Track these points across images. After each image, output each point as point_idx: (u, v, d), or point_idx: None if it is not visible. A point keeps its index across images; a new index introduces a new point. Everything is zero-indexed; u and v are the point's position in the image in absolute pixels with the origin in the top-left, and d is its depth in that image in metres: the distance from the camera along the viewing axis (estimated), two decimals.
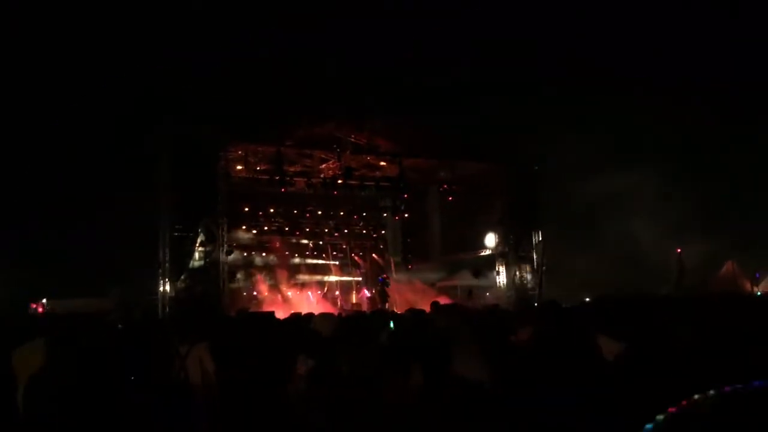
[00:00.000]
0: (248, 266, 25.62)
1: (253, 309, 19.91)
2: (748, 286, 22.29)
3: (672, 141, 25.58)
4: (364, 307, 24.65)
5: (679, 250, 22.97)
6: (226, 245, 20.65)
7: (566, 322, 4.36)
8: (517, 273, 24.38)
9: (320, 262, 28.45)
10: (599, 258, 22.81)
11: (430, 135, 22.79)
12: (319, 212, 27.17)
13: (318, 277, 28.07)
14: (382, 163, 24.13)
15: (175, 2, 24.71)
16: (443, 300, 14.40)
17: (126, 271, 21.60)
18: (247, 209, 25.51)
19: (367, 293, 27.87)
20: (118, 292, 20.59)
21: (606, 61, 26.16)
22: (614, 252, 23.62)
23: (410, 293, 23.63)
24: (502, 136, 23.41)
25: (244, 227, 25.44)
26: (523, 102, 24.75)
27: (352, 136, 22.66)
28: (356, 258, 29.31)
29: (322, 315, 5.75)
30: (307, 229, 27.70)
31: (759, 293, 20.23)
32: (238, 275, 24.62)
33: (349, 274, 28.98)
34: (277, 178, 21.94)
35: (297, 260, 27.70)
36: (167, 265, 19.48)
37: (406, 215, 28.11)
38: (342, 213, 27.84)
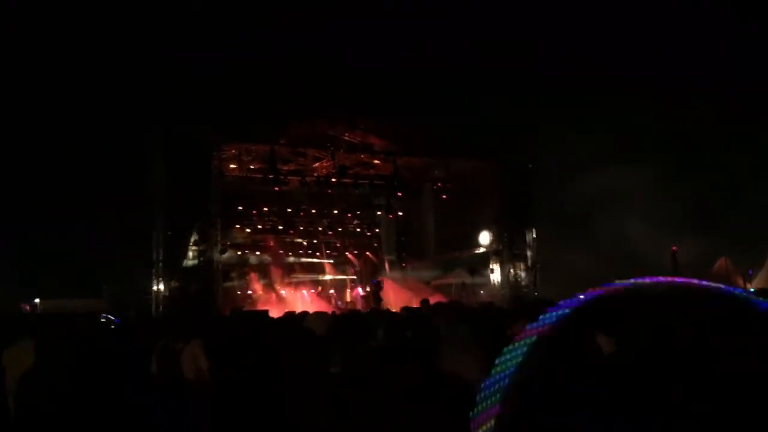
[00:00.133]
0: (242, 265, 25.60)
1: (247, 308, 19.90)
2: (741, 282, 22.35)
3: (665, 139, 25.65)
4: (359, 306, 24.66)
5: (674, 248, 23.04)
6: (219, 244, 20.62)
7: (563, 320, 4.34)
8: (512, 271, 24.41)
9: (314, 260, 28.44)
10: (594, 256, 22.86)
11: (424, 133, 22.81)
12: (313, 211, 27.16)
13: (312, 276, 28.07)
14: (376, 162, 24.14)
15: (168, 2, 24.62)
16: (438, 298, 14.42)
17: (120, 271, 21.55)
18: (240, 208, 25.47)
19: (361, 292, 27.87)
20: (112, 291, 20.56)
21: (600, 59, 26.19)
22: (608, 249, 23.67)
23: (405, 291, 23.62)
24: (496, 135, 23.44)
25: (237, 226, 25.41)
26: (518, 100, 24.76)
27: (346, 134, 22.65)
28: (350, 256, 29.32)
29: (316, 314, 5.74)
30: (301, 228, 27.69)
31: (752, 290, 20.31)
32: (233, 274, 24.60)
33: (343, 273, 28.99)
34: (271, 176, 21.92)
35: (291, 259, 27.70)
36: (161, 264, 19.43)
37: (400, 213, 28.12)
38: (336, 211, 27.83)
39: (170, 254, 19.43)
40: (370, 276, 27.71)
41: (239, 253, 25.60)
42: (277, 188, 22.88)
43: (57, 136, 22.26)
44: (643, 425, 1.35)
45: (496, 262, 24.66)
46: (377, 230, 29.69)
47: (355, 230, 29.42)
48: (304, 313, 7.74)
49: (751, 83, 24.07)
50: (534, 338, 1.41)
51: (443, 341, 3.60)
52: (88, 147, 22.46)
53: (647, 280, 1.54)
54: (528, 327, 1.42)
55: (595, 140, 22.37)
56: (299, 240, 28.09)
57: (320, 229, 28.10)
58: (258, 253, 26.57)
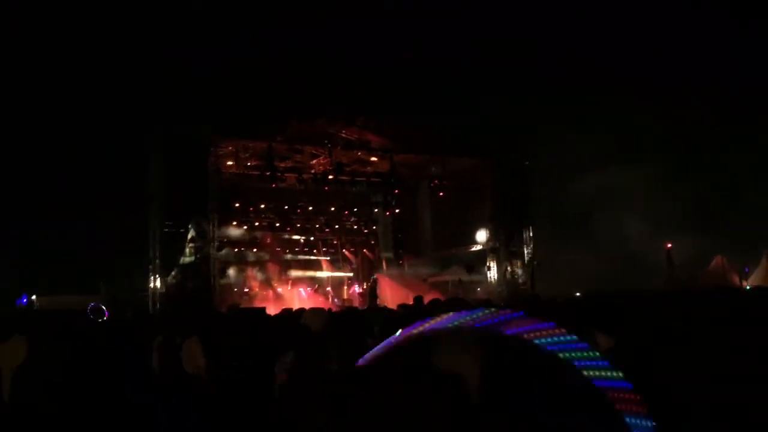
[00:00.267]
0: (239, 262, 25.55)
1: (244, 305, 19.88)
2: (737, 280, 22.38)
3: (663, 139, 25.69)
4: (356, 303, 24.64)
5: (669, 246, 23.04)
6: (216, 241, 20.59)
7: (560, 317, 4.34)
8: (509, 268, 24.41)
9: (311, 257, 28.41)
10: (591, 254, 22.89)
11: (421, 131, 22.81)
12: (310, 208, 27.12)
13: (309, 273, 28.03)
14: (373, 159, 24.11)
15: (166, 2, 24.58)
16: (435, 295, 14.39)
17: (117, 268, 21.52)
18: (237, 205, 25.41)
19: (358, 289, 27.87)
20: (109, 288, 20.51)
21: (597, 58, 26.23)
22: (606, 248, 23.71)
23: (401, 289, 23.61)
24: (493, 132, 23.48)
25: (234, 223, 25.34)
26: (515, 99, 24.81)
27: (343, 131, 22.62)
28: (347, 254, 29.30)
29: (312, 310, 5.72)
30: (298, 225, 27.64)
31: (748, 287, 20.33)
32: (230, 271, 24.55)
33: (340, 270, 28.97)
34: (268, 173, 21.88)
35: (288, 256, 27.66)
36: (158, 261, 19.41)
37: (397, 211, 28.09)
38: (333, 209, 27.79)
39: (167, 251, 19.41)
40: (367, 273, 27.71)
41: (236, 250, 25.54)
42: (274, 185, 22.84)
43: (54, 134, 22.21)
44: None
45: (493, 260, 24.66)
46: (374, 227, 29.65)
47: (352, 227, 29.38)
48: (301, 310, 7.73)
49: (751, 83, 24.11)
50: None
51: (442, 339, 3.58)
52: (85, 145, 22.43)
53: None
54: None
55: (593, 139, 22.40)
56: (296, 237, 28.05)
57: (317, 226, 28.05)
58: (255, 250, 26.52)
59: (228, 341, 5.61)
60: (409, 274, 26.14)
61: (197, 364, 4.96)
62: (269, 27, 25.06)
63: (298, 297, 24.84)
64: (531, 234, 24.45)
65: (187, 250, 19.67)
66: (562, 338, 1.44)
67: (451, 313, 1.59)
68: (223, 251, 21.85)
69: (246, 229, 26.13)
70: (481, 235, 25.23)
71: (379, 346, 1.54)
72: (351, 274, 29.17)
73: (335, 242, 29.11)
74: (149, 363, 4.88)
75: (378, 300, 23.25)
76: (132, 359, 4.86)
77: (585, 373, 1.35)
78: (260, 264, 26.27)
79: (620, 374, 1.37)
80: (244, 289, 25.43)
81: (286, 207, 26.66)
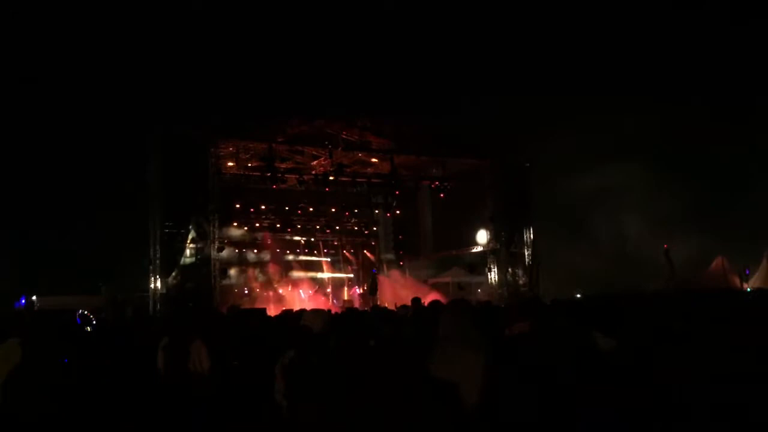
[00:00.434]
0: (240, 263, 25.55)
1: (245, 306, 19.88)
2: (737, 282, 22.37)
3: (662, 138, 25.67)
4: (356, 304, 24.65)
5: (666, 246, 23.01)
6: (217, 242, 20.58)
7: (558, 319, 4.35)
8: (509, 270, 24.38)
9: (312, 258, 28.41)
10: (591, 254, 22.88)
11: (421, 132, 22.80)
12: (311, 209, 27.13)
13: (310, 274, 28.03)
14: (374, 160, 24.09)
15: (167, 3, 24.61)
16: (435, 296, 14.37)
17: (117, 268, 21.54)
18: (238, 206, 25.42)
19: (358, 290, 27.88)
20: (109, 288, 20.53)
21: (597, 58, 26.23)
22: (606, 248, 23.70)
23: (402, 289, 23.61)
24: (493, 133, 23.46)
25: (235, 224, 25.35)
26: (514, 99, 24.80)
27: (344, 132, 22.60)
28: (348, 255, 29.30)
29: (313, 311, 5.72)
30: (299, 226, 27.65)
31: (749, 289, 20.31)
32: (230, 272, 24.54)
33: (340, 271, 28.97)
34: (269, 174, 21.85)
35: (289, 257, 27.66)
36: (158, 261, 19.39)
37: (397, 212, 28.09)
38: (333, 210, 27.79)
39: (167, 252, 19.40)
40: (368, 274, 27.70)
41: (237, 250, 25.54)
42: (274, 186, 22.83)
43: (59, 136, 22.26)
44: (643, 424, 1.34)
45: (493, 261, 24.64)
46: (375, 228, 29.66)
47: (353, 228, 29.38)
48: (302, 311, 7.73)
49: (752, 82, 24.12)
50: None
51: (445, 340, 3.58)
52: (86, 146, 22.45)
53: None
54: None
55: (593, 140, 22.40)
56: (297, 238, 28.05)
57: (318, 227, 28.06)
58: (255, 251, 26.52)
59: (229, 342, 5.61)
60: (410, 275, 26.14)
61: (202, 366, 4.96)
62: (268, 26, 25.06)
63: (299, 298, 24.84)
64: (532, 235, 24.43)
65: (188, 250, 19.67)
66: None
67: None
68: (224, 252, 21.82)
69: (246, 230, 26.14)
70: (482, 237, 25.22)
71: None
72: (351, 275, 29.17)
73: (336, 243, 29.12)
74: (153, 364, 4.88)
75: (377, 298, 23.27)
76: (134, 360, 4.87)
77: None
78: (261, 265, 26.27)
79: None
80: (244, 290, 25.43)
81: (287, 208, 26.67)
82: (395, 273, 27.04)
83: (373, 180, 24.49)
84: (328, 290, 28.27)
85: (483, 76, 25.89)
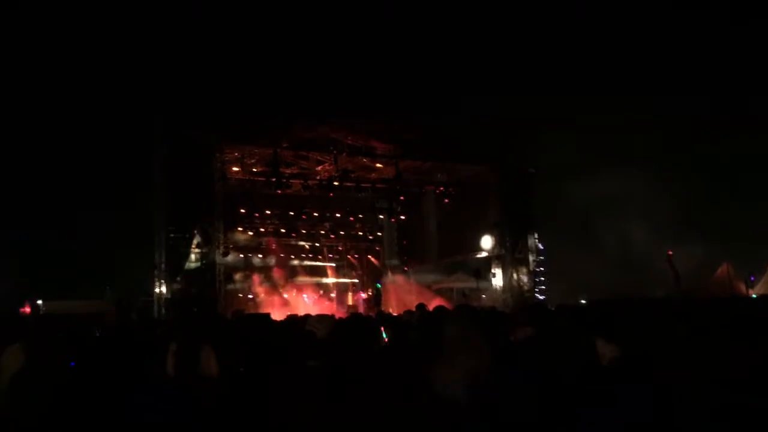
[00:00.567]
0: (245, 268, 25.58)
1: (249, 310, 19.90)
2: (743, 288, 22.32)
3: (667, 144, 25.65)
4: (361, 309, 24.66)
5: (670, 253, 22.95)
6: (222, 247, 20.61)
7: (558, 324, 4.36)
8: (514, 275, 24.34)
9: (317, 263, 28.43)
10: (596, 260, 22.84)
11: (426, 137, 22.82)
12: (315, 214, 27.15)
13: (315, 279, 28.05)
14: (379, 165, 24.11)
15: (172, 5, 24.71)
16: (440, 302, 14.37)
17: (122, 273, 21.59)
18: (243, 211, 25.45)
19: (363, 295, 27.88)
20: (114, 293, 20.57)
21: (602, 63, 26.22)
22: (611, 254, 23.65)
23: (407, 295, 23.60)
24: (498, 139, 23.45)
25: (240, 229, 25.40)
26: (519, 104, 24.80)
27: (349, 137, 22.64)
28: (352, 260, 29.32)
29: (318, 316, 5.73)
30: (304, 231, 27.68)
31: (754, 296, 20.26)
32: (235, 276, 24.58)
33: (345, 276, 28.98)
34: (274, 179, 21.89)
35: (294, 262, 27.69)
36: (163, 266, 19.43)
37: (402, 217, 28.11)
38: (338, 215, 27.80)
39: (173, 256, 19.43)
40: (372, 279, 27.72)
41: (241, 255, 25.57)
42: (279, 191, 22.86)
43: (65, 139, 22.35)
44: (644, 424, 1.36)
45: (498, 267, 24.61)
46: (379, 234, 29.67)
47: (357, 234, 29.40)
48: (306, 316, 7.74)
49: (757, 85, 24.07)
50: None
51: (450, 346, 3.59)
52: (90, 149, 22.53)
53: None
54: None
55: (598, 146, 22.38)
56: (301, 243, 28.08)
57: (322, 232, 28.08)
58: (260, 255, 26.56)
59: (235, 347, 5.63)
60: (414, 280, 26.12)
61: (211, 370, 4.97)
62: (274, 32, 25.15)
63: (303, 303, 24.86)
64: (536, 241, 24.39)
65: (193, 255, 19.71)
66: None
67: None
68: (229, 257, 21.86)
69: (251, 235, 26.18)
70: (486, 242, 25.19)
71: None
72: (356, 280, 29.18)
73: (340, 248, 29.14)
74: (162, 368, 4.89)
75: (382, 305, 23.28)
76: (141, 364, 4.88)
77: None
78: (265, 270, 26.30)
79: None
80: (249, 294, 25.46)
81: (292, 213, 26.69)
82: (400, 278, 27.03)
83: (378, 185, 24.51)
84: (333, 295, 28.28)
85: (487, 82, 25.91)
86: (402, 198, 26.25)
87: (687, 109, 23.67)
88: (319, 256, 28.62)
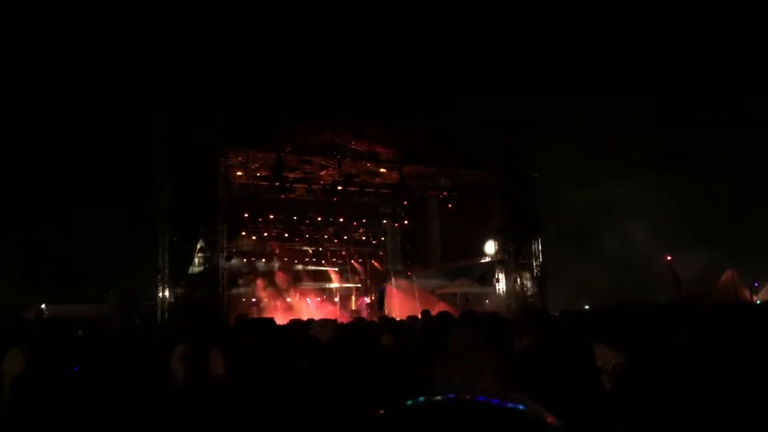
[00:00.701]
0: (248, 272, 25.59)
1: (253, 315, 19.89)
2: (747, 295, 22.26)
3: (670, 150, 25.61)
4: (364, 314, 24.62)
5: (669, 258, 22.86)
6: (225, 251, 20.61)
7: (561, 331, 4.36)
8: (518, 280, 24.28)
9: (320, 268, 28.44)
10: (599, 266, 22.81)
11: (430, 142, 22.82)
12: (319, 219, 27.17)
13: (318, 284, 28.06)
14: (382, 170, 24.10)
15: (176, 8, 24.80)
16: (443, 307, 14.39)
17: (125, 277, 21.61)
18: (246, 215, 25.48)
19: (366, 300, 27.87)
20: (118, 297, 20.59)
21: (605, 69, 26.22)
22: (614, 260, 23.61)
23: (410, 300, 23.58)
24: (501, 144, 23.44)
25: (243, 233, 25.42)
26: (524, 110, 24.81)
27: (352, 142, 22.64)
28: (356, 264, 29.32)
29: (321, 321, 5.75)
30: (307, 236, 27.70)
31: (758, 302, 20.20)
32: (239, 281, 24.59)
33: (348, 281, 28.98)
34: (277, 184, 21.90)
35: (297, 266, 27.70)
36: (167, 270, 19.42)
37: (405, 222, 28.12)
38: (342, 219, 27.82)
39: (176, 261, 19.43)
40: (375, 284, 27.70)
41: (245, 260, 25.58)
42: (283, 196, 22.87)
43: (68, 144, 22.42)
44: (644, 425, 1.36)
45: (501, 272, 24.55)
46: (383, 239, 29.67)
47: (361, 238, 29.42)
48: (310, 321, 7.76)
49: (749, 91, 24.04)
50: None
51: (455, 351, 3.58)
52: (93, 154, 22.59)
53: None
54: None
55: (601, 151, 22.37)
56: (305, 248, 28.10)
57: (326, 237, 28.11)
58: (264, 260, 26.57)
59: (239, 352, 5.64)
60: (417, 285, 26.10)
61: (217, 374, 4.99)
62: (278, 36, 25.23)
63: (307, 307, 24.85)
64: (540, 246, 24.34)
65: (196, 260, 19.70)
66: None
67: None
68: (232, 261, 21.86)
69: (255, 240, 26.20)
70: (490, 247, 25.16)
71: None
72: (359, 285, 29.18)
73: (344, 253, 29.14)
74: (168, 372, 4.90)
75: (386, 310, 23.25)
76: (146, 368, 4.89)
77: None
78: (269, 274, 26.30)
79: None
80: (252, 299, 25.46)
81: (295, 217, 26.72)
82: (403, 283, 27.01)
83: (382, 190, 24.49)
84: (336, 300, 28.27)
85: (488, 83, 25.95)
86: (405, 203, 26.25)
87: (687, 110, 23.64)
88: (323, 261, 28.62)
